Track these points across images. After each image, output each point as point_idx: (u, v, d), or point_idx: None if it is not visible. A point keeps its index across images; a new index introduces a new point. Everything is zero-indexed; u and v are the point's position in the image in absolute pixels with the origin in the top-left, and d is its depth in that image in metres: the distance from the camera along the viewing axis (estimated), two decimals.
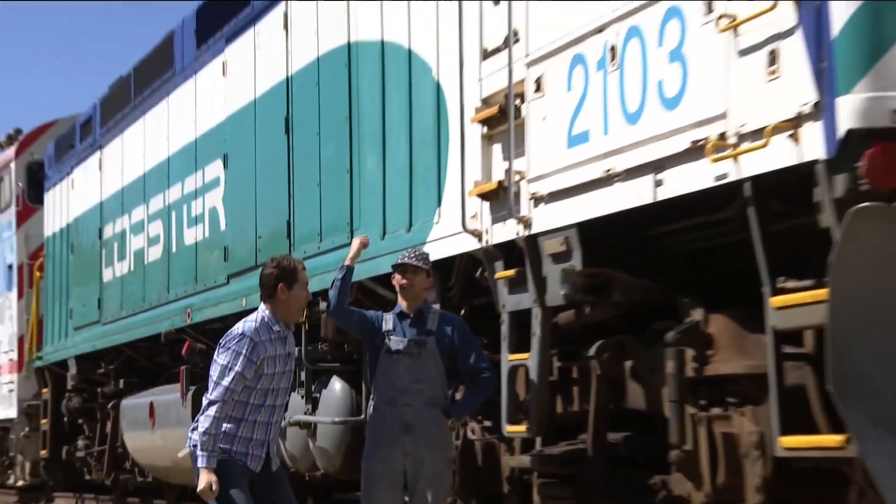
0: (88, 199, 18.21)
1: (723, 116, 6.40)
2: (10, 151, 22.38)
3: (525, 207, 8.12)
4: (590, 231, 7.57)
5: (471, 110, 8.72)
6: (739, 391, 6.90)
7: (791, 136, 5.95)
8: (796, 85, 5.95)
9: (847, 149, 5.67)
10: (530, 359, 8.01)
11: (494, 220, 8.49)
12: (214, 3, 14.04)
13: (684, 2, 6.71)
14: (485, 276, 8.75)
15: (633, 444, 7.99)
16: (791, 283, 6.11)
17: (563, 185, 7.73)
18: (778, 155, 6.04)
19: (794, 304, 6.04)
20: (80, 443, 18.85)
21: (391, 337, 7.90)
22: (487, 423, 8.85)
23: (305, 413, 10.58)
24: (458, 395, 8.29)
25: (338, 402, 10.03)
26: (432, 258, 8.86)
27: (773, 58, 6.10)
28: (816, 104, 5.80)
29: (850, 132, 5.65)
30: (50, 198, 20.33)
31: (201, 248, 13.74)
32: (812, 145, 5.84)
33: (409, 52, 9.74)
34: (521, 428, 8.09)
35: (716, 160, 6.37)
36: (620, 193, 7.24)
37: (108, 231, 17.16)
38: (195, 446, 7.30)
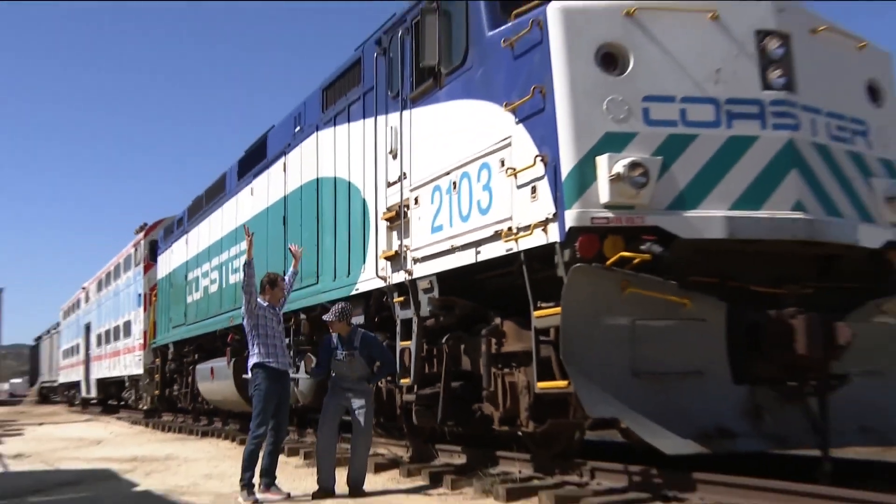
0: (179, 260, 18.12)
1: (510, 219, 6.53)
2: (140, 235, 23.40)
3: (409, 264, 8.01)
4: (442, 278, 7.56)
5: (381, 213, 8.62)
6: (518, 360, 6.89)
7: (543, 229, 6.17)
8: (545, 204, 6.16)
9: (569, 237, 5.92)
10: (412, 344, 7.99)
11: (393, 271, 8.36)
12: (247, 156, 13.79)
13: (490, 158, 6.82)
14: (387, 301, 8.68)
15: (464, 388, 7.82)
16: (544, 304, 6.27)
17: (428, 253, 7.69)
18: (536, 239, 6.23)
19: (545, 315, 6.19)
20: (175, 387, 19.01)
21: (336, 351, 7.60)
22: (389, 380, 8.66)
23: (292, 373, 10.44)
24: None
25: (310, 368, 9.81)
26: (360, 290, 8.93)
27: (533, 189, 6.29)
28: (554, 214, 6.05)
29: (570, 228, 5.91)
30: (160, 259, 20.34)
31: (237, 286, 13.43)
32: (553, 234, 6.07)
33: (349, 182, 9.58)
34: (407, 380, 8.02)
35: (506, 241, 6.55)
36: (458, 258, 7.25)
37: (190, 276, 17.02)
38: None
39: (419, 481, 7.96)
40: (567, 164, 6.01)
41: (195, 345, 17.00)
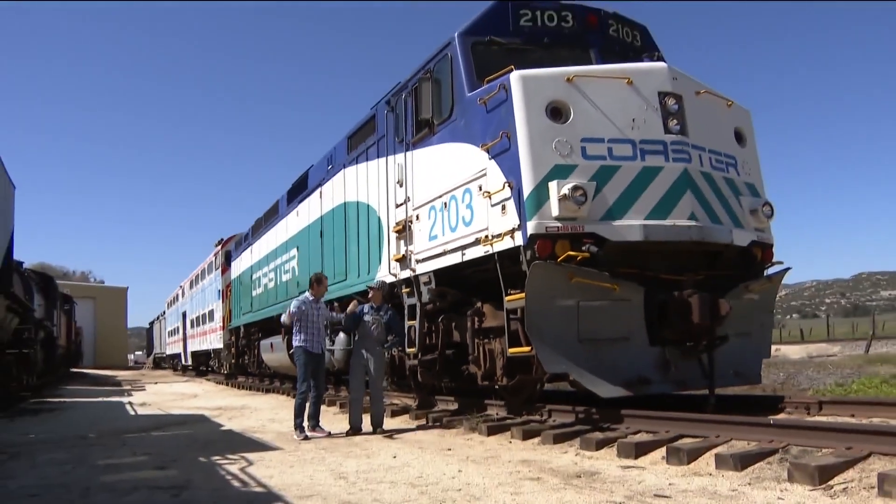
0: (246, 264, 17.79)
1: (486, 229, 6.45)
2: (219, 247, 22.84)
3: (413, 264, 7.89)
4: (437, 274, 7.47)
5: (392, 227, 8.46)
6: (494, 332, 6.83)
7: (511, 236, 6.10)
8: (512, 218, 6.09)
9: (530, 241, 5.87)
10: (416, 323, 7.86)
11: (401, 269, 8.22)
12: (294, 187, 13.55)
13: (471, 185, 6.73)
14: (397, 291, 8.42)
15: (456, 354, 7.66)
16: (512, 291, 6.23)
17: (427, 256, 7.58)
18: (506, 243, 6.17)
19: (514, 299, 6.14)
20: (245, 357, 18.56)
21: (365, 315, 7.49)
22: (400, 350, 8.33)
23: (328, 345, 10.32)
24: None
25: (341, 341, 9.64)
26: (376, 280, 8.90)
27: (503, 207, 6.22)
28: (519, 225, 5.99)
29: (531, 235, 5.86)
30: (233, 264, 19.99)
31: (289, 282, 13.39)
32: (518, 240, 6.00)
33: (368, 205, 9.40)
34: (413, 349, 7.92)
35: (484, 245, 6.47)
36: (449, 259, 7.15)
37: (254, 276, 16.73)
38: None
39: (424, 422, 7.86)
40: (527, 188, 5.97)
41: (259, 326, 16.73)
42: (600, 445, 5.36)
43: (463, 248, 6.94)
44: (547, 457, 5.30)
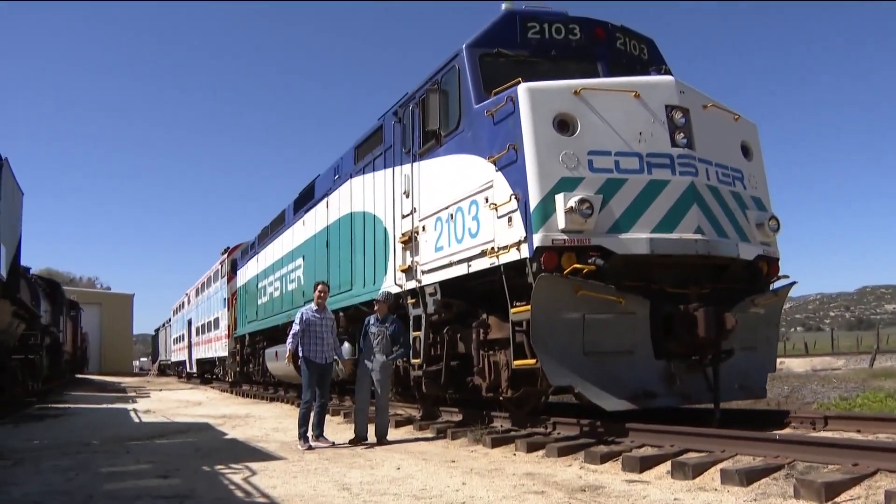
0: (252, 273, 17.82)
1: (492, 241, 6.42)
2: (225, 255, 22.78)
3: (419, 275, 7.87)
4: (443, 285, 7.44)
5: (398, 237, 8.44)
6: (499, 344, 6.81)
7: (517, 248, 6.07)
8: (518, 230, 6.07)
9: (536, 254, 5.86)
10: (421, 333, 7.84)
11: (407, 280, 8.20)
12: (300, 196, 13.55)
13: (477, 196, 6.71)
14: (402, 302, 8.39)
15: (460, 365, 7.62)
16: (518, 303, 6.19)
17: (433, 267, 7.54)
18: (512, 255, 6.14)
19: (519, 311, 6.11)
20: (250, 365, 18.56)
21: (371, 326, 7.48)
22: (405, 361, 8.20)
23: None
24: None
25: (347, 350, 9.55)
26: (382, 292, 9.05)
27: (509, 219, 6.20)
28: (525, 237, 5.97)
29: (537, 248, 5.85)
30: (239, 273, 19.99)
31: (294, 291, 13.36)
32: (524, 252, 5.98)
33: (374, 215, 9.38)
34: (418, 360, 7.89)
35: (490, 257, 6.45)
36: (455, 270, 7.12)
37: (260, 285, 16.75)
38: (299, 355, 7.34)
39: (428, 433, 7.82)
40: (534, 200, 5.95)
41: (264, 334, 16.77)
42: (605, 459, 5.31)
43: (469, 259, 6.90)
44: (551, 470, 5.25)
